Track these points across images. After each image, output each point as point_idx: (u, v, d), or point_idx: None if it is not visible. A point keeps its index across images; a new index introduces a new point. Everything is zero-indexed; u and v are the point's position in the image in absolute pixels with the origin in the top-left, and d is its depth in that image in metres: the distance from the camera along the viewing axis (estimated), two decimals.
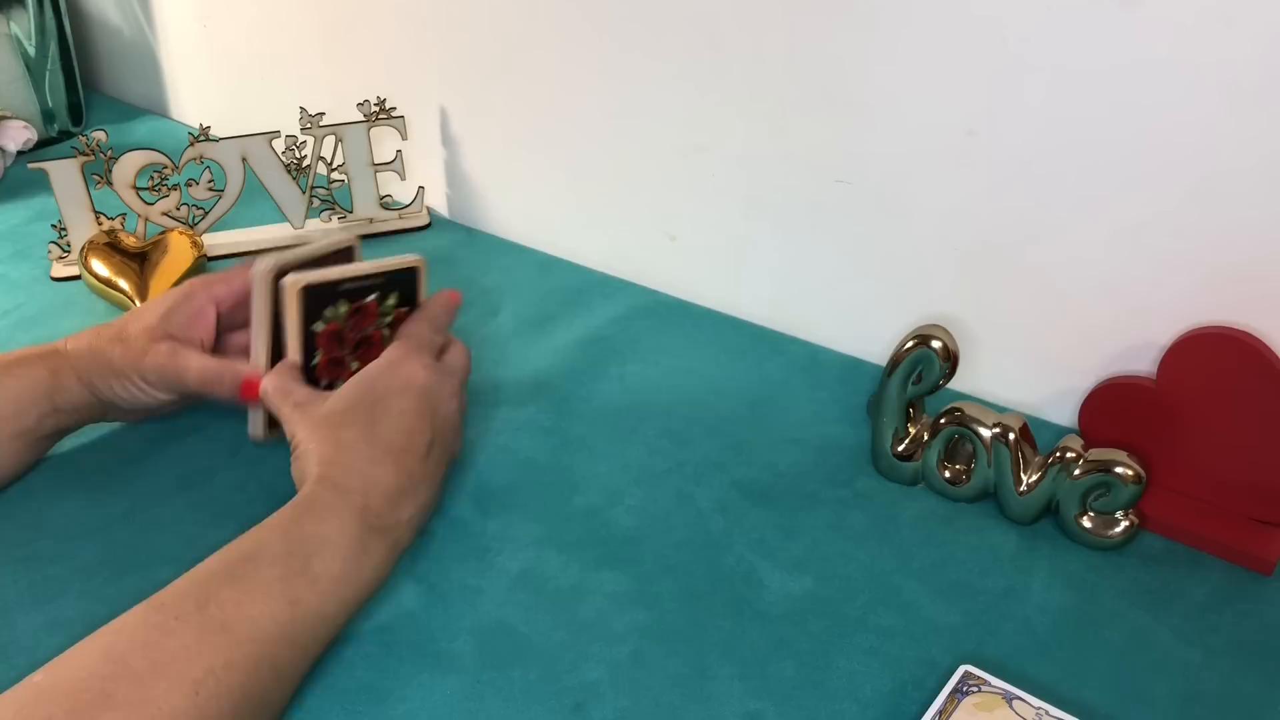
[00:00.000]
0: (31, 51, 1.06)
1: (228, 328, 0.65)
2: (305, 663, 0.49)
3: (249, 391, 0.60)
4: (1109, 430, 0.61)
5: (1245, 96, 0.54)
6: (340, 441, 0.55)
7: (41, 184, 0.83)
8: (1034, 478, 0.58)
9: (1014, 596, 0.55)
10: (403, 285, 0.63)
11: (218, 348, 0.64)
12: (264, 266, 0.59)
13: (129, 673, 0.43)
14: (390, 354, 0.60)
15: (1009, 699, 0.47)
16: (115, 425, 0.67)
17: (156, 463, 0.65)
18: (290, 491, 0.54)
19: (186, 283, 0.65)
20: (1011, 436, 0.58)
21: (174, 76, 1.14)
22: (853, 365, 0.74)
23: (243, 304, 0.63)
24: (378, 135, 0.87)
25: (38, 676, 0.43)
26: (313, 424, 0.56)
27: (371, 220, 0.90)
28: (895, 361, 0.60)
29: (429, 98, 0.90)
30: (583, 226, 0.86)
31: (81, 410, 0.62)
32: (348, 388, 0.58)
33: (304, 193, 0.87)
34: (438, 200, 0.95)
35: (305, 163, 0.86)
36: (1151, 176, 0.58)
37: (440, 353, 0.63)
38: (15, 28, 1.05)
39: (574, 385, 0.72)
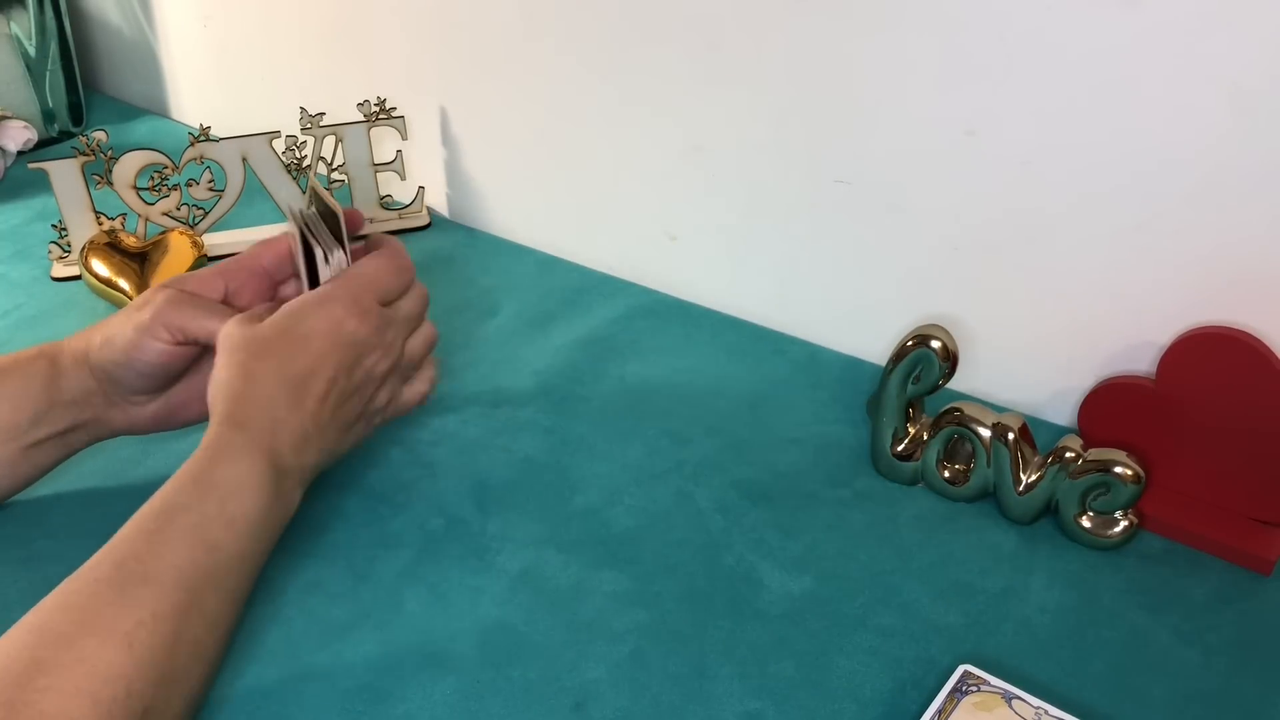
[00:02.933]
0: (32, 51, 1.06)
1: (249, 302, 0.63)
2: (232, 606, 0.50)
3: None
4: (1108, 430, 0.61)
5: (1245, 96, 0.54)
6: (252, 374, 0.54)
7: (42, 184, 0.83)
8: (1033, 478, 0.58)
9: (1013, 596, 0.55)
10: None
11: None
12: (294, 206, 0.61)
13: (57, 637, 0.43)
14: (331, 289, 0.57)
15: (1008, 698, 0.47)
16: None
17: (155, 463, 0.65)
18: None
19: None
20: (1011, 436, 0.58)
21: (174, 76, 1.14)
22: (852, 365, 0.74)
23: (250, 281, 0.62)
24: (378, 135, 0.87)
25: None
26: (233, 346, 0.55)
27: (371, 220, 0.90)
28: (895, 361, 0.60)
29: (429, 98, 0.90)
30: (583, 226, 0.86)
31: (82, 403, 0.59)
32: (279, 315, 0.56)
33: (304, 193, 0.87)
34: (438, 200, 0.95)
35: (305, 163, 0.86)
36: (1151, 176, 0.58)
37: (395, 297, 0.60)
38: (15, 28, 1.05)
39: (574, 385, 0.72)
